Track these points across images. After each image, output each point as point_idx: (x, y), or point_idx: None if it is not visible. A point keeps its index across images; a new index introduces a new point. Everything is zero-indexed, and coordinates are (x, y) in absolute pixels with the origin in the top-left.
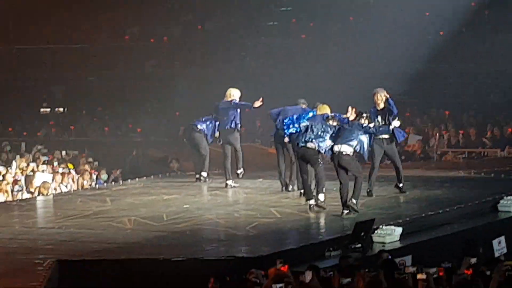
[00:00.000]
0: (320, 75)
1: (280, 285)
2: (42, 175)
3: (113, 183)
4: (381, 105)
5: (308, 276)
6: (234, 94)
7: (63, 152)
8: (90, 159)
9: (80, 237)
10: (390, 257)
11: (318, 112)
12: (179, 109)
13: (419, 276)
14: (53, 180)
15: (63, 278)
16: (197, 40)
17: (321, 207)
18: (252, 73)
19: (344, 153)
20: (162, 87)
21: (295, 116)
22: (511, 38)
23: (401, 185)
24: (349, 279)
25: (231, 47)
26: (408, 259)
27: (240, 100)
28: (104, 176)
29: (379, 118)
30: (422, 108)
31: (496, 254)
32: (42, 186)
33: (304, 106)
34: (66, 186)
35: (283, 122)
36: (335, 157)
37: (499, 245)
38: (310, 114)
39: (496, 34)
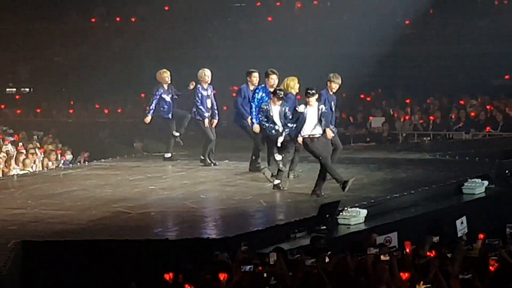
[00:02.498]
0: (286, 56)
1: (249, 266)
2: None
3: (78, 163)
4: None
5: (273, 257)
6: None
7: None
8: (56, 140)
9: (44, 218)
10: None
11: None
12: (146, 90)
13: (382, 257)
14: (16, 160)
15: (27, 259)
16: (164, 20)
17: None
18: (219, 54)
19: None
20: (128, 68)
21: None
22: (477, 21)
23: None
24: (313, 260)
25: (198, 28)
26: (394, 236)
27: (207, 82)
28: (69, 156)
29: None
30: (387, 90)
31: (459, 234)
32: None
33: None
34: (31, 167)
35: None
36: None
37: (461, 225)
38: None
39: (460, 17)
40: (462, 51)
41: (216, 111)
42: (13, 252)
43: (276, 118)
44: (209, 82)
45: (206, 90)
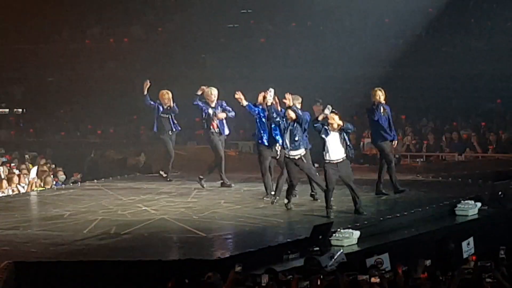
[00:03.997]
0: (279, 77)
1: None
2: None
3: (71, 184)
4: None
5: (265, 279)
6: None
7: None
8: (49, 160)
9: (37, 239)
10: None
11: None
12: (139, 110)
13: (372, 279)
14: (9, 181)
15: (19, 280)
16: (158, 41)
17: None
18: (212, 75)
19: None
20: (122, 88)
21: None
22: (469, 42)
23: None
24: (307, 282)
25: (191, 48)
26: (385, 257)
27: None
28: (61, 177)
29: None
30: None
31: (465, 255)
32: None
33: None
34: (23, 187)
35: None
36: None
37: (467, 246)
38: None
39: (454, 38)
40: (456, 72)
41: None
42: (5, 273)
43: None
44: (215, 100)
45: (214, 108)
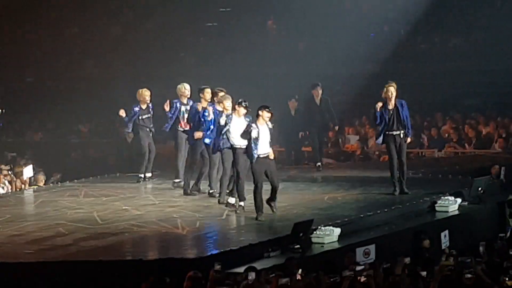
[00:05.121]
0: (258, 75)
1: None
2: None
3: (51, 184)
4: None
5: (251, 276)
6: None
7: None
8: (29, 161)
9: (16, 240)
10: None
11: None
12: (119, 110)
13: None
14: None
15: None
16: (138, 40)
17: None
18: (191, 73)
19: None
20: (101, 87)
21: None
22: (450, 38)
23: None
24: (287, 279)
25: (170, 47)
26: (372, 248)
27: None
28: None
29: None
30: (360, 108)
31: (443, 246)
32: None
33: None
34: (2, 188)
35: None
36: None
37: (445, 238)
38: None
39: (435, 34)
40: (435, 69)
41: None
42: None
43: None
44: (188, 96)
45: (186, 104)
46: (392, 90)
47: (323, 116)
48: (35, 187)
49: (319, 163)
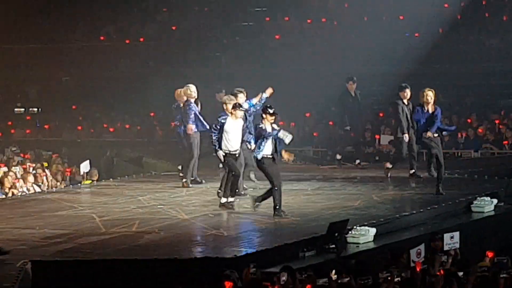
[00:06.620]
0: (294, 74)
1: None
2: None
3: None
4: None
5: (283, 277)
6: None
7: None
8: (65, 160)
9: (53, 238)
10: None
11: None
12: (153, 109)
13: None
14: (25, 180)
15: (36, 279)
16: (172, 40)
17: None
18: (227, 73)
19: None
20: (136, 87)
21: None
22: (486, 39)
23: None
24: (325, 279)
25: (206, 47)
26: (422, 247)
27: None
28: (78, 177)
29: None
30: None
31: (445, 248)
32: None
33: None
34: (39, 186)
35: None
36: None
37: (450, 240)
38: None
39: (471, 35)
40: (471, 70)
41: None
42: (22, 271)
43: None
44: (196, 97)
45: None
46: (431, 94)
47: (359, 110)
48: (89, 182)
49: (358, 160)
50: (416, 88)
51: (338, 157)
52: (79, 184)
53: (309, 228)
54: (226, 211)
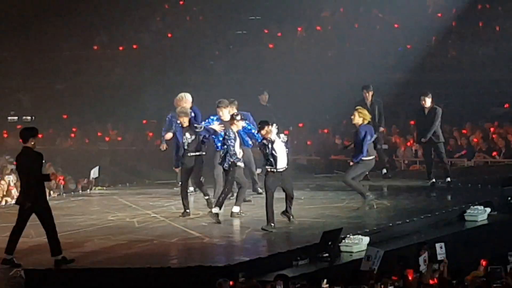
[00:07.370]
0: (287, 83)
1: None
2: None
3: (80, 191)
4: None
5: (279, 285)
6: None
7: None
8: (58, 168)
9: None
10: None
11: None
12: (147, 117)
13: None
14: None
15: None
16: (166, 47)
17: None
18: (220, 81)
19: None
20: (131, 95)
21: None
22: (478, 48)
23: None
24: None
25: (200, 55)
26: (421, 259)
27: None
28: (72, 185)
29: None
30: (389, 118)
31: (439, 257)
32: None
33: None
34: None
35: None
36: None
37: (441, 250)
38: None
39: (463, 44)
40: (464, 78)
41: None
42: (15, 280)
43: None
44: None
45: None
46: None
47: (373, 119)
48: (100, 188)
49: (384, 170)
50: (408, 97)
51: (384, 171)
52: (88, 191)
53: (302, 237)
54: (217, 220)
